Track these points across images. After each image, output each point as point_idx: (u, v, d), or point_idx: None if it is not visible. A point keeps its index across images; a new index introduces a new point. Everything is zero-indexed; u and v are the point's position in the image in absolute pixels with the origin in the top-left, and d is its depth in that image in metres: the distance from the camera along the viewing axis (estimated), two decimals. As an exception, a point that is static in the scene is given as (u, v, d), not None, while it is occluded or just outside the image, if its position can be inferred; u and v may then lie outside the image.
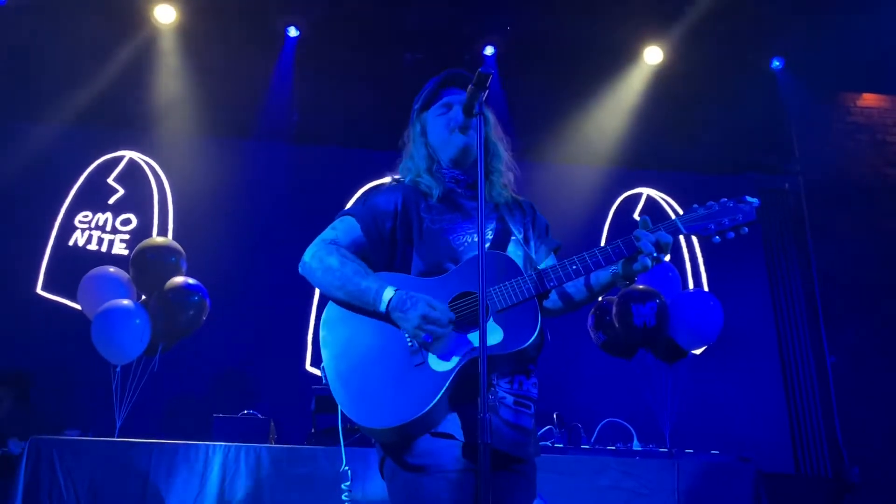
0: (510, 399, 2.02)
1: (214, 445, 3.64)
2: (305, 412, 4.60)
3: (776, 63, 6.65)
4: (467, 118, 2.18)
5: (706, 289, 6.29)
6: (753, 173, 6.67)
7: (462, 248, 2.10)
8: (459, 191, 2.24)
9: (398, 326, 1.99)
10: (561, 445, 3.99)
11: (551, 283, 2.03)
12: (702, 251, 6.54)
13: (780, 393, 6.22)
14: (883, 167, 6.79)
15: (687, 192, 6.61)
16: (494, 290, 2.00)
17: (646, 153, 6.56)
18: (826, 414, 6.08)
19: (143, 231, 6.04)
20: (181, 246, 5.30)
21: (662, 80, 6.49)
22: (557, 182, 6.39)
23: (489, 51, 6.40)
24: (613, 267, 2.06)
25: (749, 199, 2.04)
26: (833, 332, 6.23)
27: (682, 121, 6.36)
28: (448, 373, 1.94)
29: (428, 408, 1.90)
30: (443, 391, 1.91)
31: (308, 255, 2.14)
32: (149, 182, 6.26)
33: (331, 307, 2.12)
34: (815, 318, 6.31)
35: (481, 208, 1.93)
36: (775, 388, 6.23)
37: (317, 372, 5.95)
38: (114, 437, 4.25)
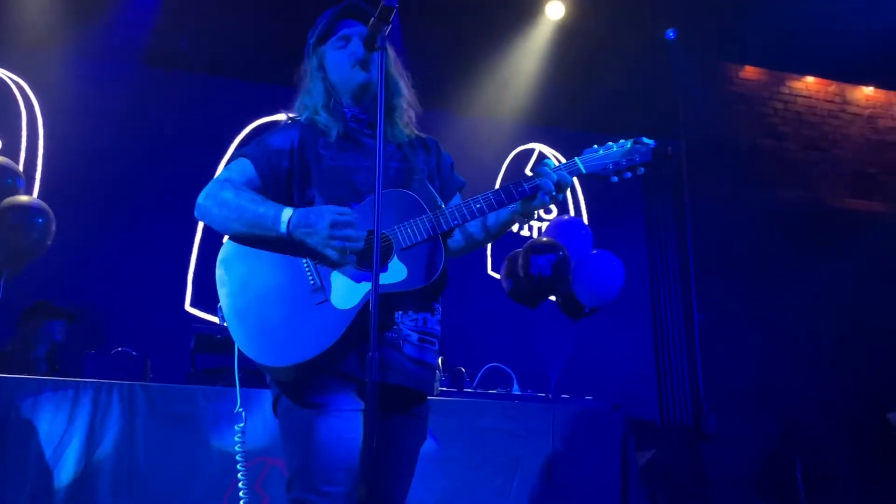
0: (415, 336, 2.03)
1: (85, 382, 3.47)
2: (183, 352, 4.45)
3: (669, 34, 6.82)
4: (368, 52, 2.12)
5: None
6: (639, 135, 6.88)
7: (364, 188, 2.06)
8: (359, 129, 2.18)
9: (304, 245, 1.93)
10: (444, 388, 4.07)
11: (455, 221, 2.03)
12: (586, 206, 6.74)
13: (650, 346, 6.57)
14: (758, 137, 7.17)
15: (576, 150, 6.73)
16: (399, 228, 2.00)
17: (540, 109, 6.64)
18: (691, 367, 6.47)
19: (9, 153, 5.55)
20: (52, 171, 4.95)
21: (562, 38, 6.55)
22: (451, 132, 6.38)
23: None
24: (514, 205, 2.09)
25: (645, 140, 2.11)
26: (702, 290, 6.60)
27: (577, 79, 6.47)
28: (350, 311, 1.92)
29: (329, 345, 1.88)
30: (345, 329, 1.89)
31: (201, 197, 2.06)
32: (16, 102, 5.78)
33: (227, 246, 2.04)
34: (687, 276, 6.65)
35: (380, 145, 1.88)
36: (646, 341, 6.58)
37: (197, 312, 5.77)
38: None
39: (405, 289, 1.95)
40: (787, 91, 7.39)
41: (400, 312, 2.02)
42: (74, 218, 4.92)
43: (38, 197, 5.18)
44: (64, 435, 3.29)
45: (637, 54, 6.63)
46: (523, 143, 6.83)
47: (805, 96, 7.42)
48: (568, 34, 6.54)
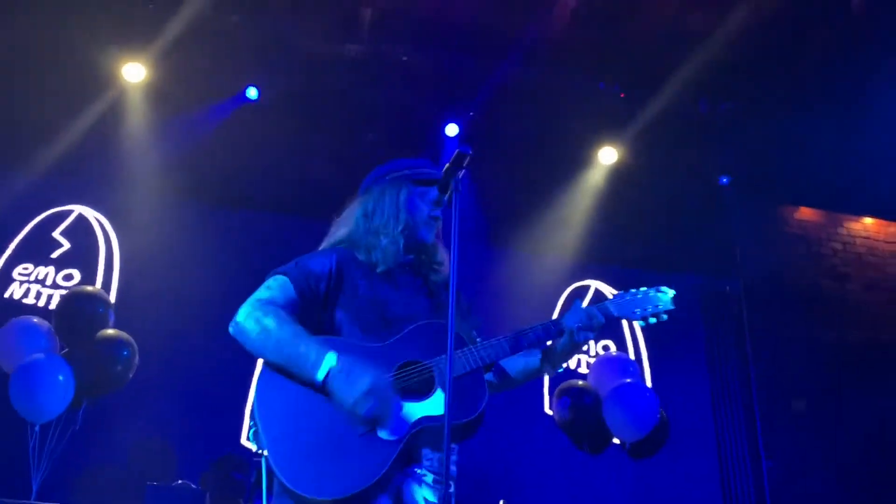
0: (430, 477, 1.99)
1: (146, 514, 3.46)
2: (237, 489, 4.42)
3: (723, 180, 6.95)
4: (441, 195, 2.22)
5: (649, 384, 6.37)
6: (698, 275, 6.91)
7: (394, 318, 2.11)
8: (399, 270, 2.25)
9: (334, 396, 1.91)
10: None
11: (495, 356, 2.07)
12: (646, 346, 6.65)
13: (717, 493, 6.26)
14: (818, 277, 7.09)
15: (633, 287, 6.76)
16: (442, 359, 1.97)
17: (596, 247, 6.74)
18: (761, 516, 6.12)
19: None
20: (126, 305, 5.16)
21: (616, 180, 6.72)
22: (511, 268, 6.50)
23: (452, 131, 6.36)
24: (540, 358, 2.22)
25: (665, 289, 2.22)
26: (768, 433, 6.34)
27: (632, 219, 6.58)
28: (396, 442, 1.90)
29: (376, 479, 1.85)
30: (392, 460, 1.87)
31: (242, 315, 2.05)
32: (96, 238, 6.11)
33: (266, 370, 2.02)
34: (752, 419, 6.42)
35: (453, 283, 1.92)
36: (713, 488, 6.27)
37: (253, 446, 5.75)
38: (30, 501, 4.00)
39: (452, 421, 1.87)
40: (845, 232, 7.37)
41: (426, 448, 1.99)
42: (142, 350, 5.04)
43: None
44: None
45: (691, 196, 6.76)
46: (579, 280, 6.88)
47: (864, 237, 7.38)
48: (622, 177, 6.71)
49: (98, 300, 4.73)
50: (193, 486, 4.10)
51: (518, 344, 2.10)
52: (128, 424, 5.38)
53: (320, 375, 1.90)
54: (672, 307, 2.19)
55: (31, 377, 4.26)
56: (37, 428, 4.34)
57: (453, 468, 2.06)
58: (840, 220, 7.40)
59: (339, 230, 2.33)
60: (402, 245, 2.23)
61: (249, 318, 2.03)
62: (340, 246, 2.27)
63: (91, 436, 4.78)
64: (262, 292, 2.10)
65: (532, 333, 2.12)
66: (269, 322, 2.00)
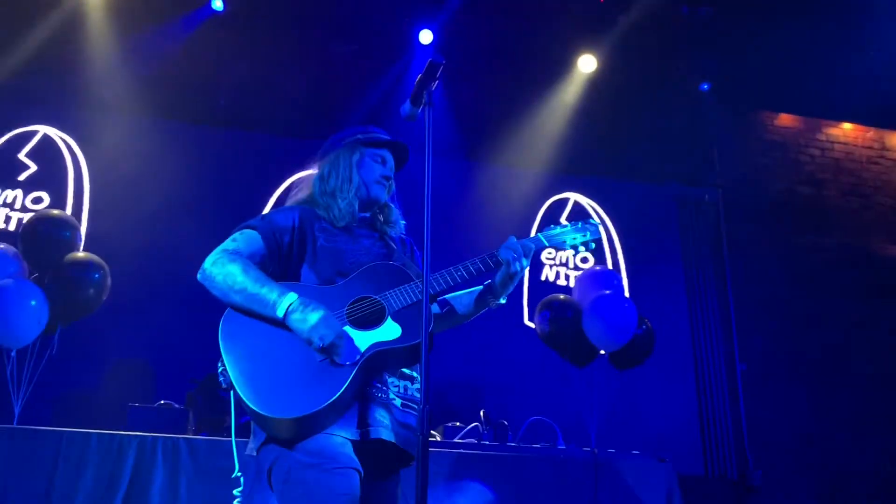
0: (398, 402, 2.18)
1: (129, 435, 3.48)
2: (225, 406, 4.45)
3: (703, 86, 6.85)
4: (413, 108, 2.22)
5: (627, 294, 6.43)
6: (676, 184, 6.89)
7: (349, 268, 2.28)
8: (355, 225, 2.42)
9: (293, 330, 2.09)
10: (487, 443, 4.01)
11: (440, 287, 2.26)
12: (623, 257, 6.69)
13: (692, 397, 6.43)
14: (795, 185, 7.11)
15: (612, 199, 6.77)
16: (390, 293, 2.20)
17: (575, 159, 6.66)
18: (734, 418, 6.31)
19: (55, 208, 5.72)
20: (98, 227, 5.02)
21: (595, 89, 6.60)
22: (488, 182, 6.44)
23: (426, 39, 6.16)
24: (484, 289, 2.38)
25: (592, 221, 2.46)
26: (744, 340, 6.48)
27: (611, 129, 6.50)
28: (351, 366, 2.05)
29: (333, 398, 1.99)
30: (348, 381, 2.02)
31: (209, 263, 2.20)
32: (63, 159, 5.94)
33: (229, 314, 2.16)
34: (728, 325, 6.54)
35: (428, 201, 2.05)
36: (689, 393, 6.43)
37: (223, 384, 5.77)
38: (13, 425, 4.01)
39: (401, 345, 2.11)
40: (823, 138, 7.35)
41: (387, 375, 2.17)
42: (118, 271, 4.99)
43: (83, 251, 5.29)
44: (108, 488, 3.29)
45: (671, 104, 6.67)
46: (558, 193, 6.83)
47: (842, 143, 7.37)
48: (601, 86, 6.59)
49: (63, 223, 4.62)
50: (176, 405, 4.12)
51: (459, 276, 2.27)
52: (107, 348, 5.37)
53: (280, 312, 2.08)
54: (599, 236, 2.43)
55: (2, 302, 4.18)
56: (13, 353, 4.31)
57: (417, 395, 2.23)
58: (819, 126, 7.37)
59: (300, 193, 2.49)
60: (356, 206, 2.40)
61: (216, 266, 2.18)
62: (303, 205, 2.43)
63: (69, 360, 4.76)
64: (228, 243, 2.26)
65: (472, 265, 2.28)
66: (234, 268, 2.16)
